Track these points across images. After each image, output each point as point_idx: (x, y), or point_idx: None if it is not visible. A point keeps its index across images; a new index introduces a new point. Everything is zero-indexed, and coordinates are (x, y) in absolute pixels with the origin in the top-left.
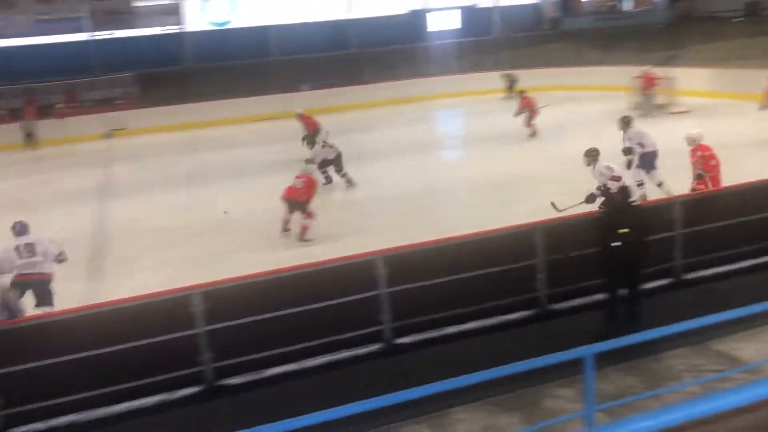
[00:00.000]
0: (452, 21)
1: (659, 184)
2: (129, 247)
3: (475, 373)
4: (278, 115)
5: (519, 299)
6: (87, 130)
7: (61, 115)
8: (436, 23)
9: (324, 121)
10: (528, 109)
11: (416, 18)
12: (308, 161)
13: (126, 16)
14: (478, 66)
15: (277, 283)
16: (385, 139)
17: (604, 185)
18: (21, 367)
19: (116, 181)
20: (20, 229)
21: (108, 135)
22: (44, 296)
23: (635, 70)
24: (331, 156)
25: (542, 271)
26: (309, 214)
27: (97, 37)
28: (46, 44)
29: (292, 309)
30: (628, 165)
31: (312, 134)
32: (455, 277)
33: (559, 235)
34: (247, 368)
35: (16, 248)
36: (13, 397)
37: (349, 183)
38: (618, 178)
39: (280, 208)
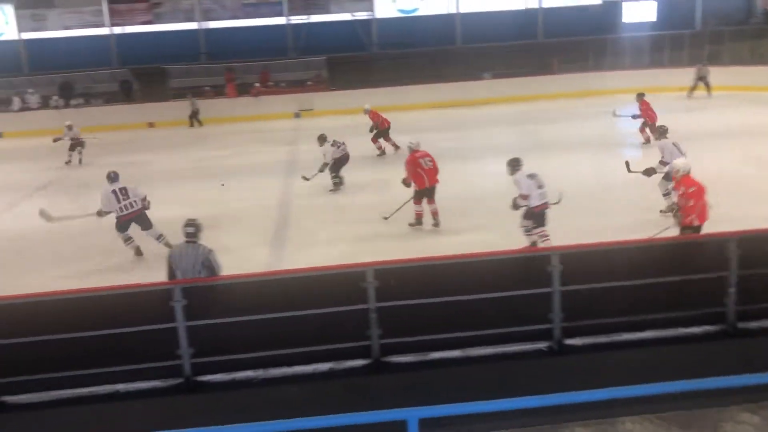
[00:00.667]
0: (648, 13)
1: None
2: (309, 220)
3: (652, 384)
4: (459, 102)
5: (703, 313)
6: (278, 109)
7: (257, 94)
8: (631, 15)
9: (505, 110)
10: (644, 114)
11: (610, 9)
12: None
13: (321, 2)
14: (675, 61)
15: (446, 269)
16: (564, 131)
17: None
18: (210, 321)
19: (302, 158)
20: (114, 177)
21: (296, 115)
22: (146, 224)
23: None
24: (339, 155)
25: (733, 284)
26: (433, 200)
27: (293, 22)
28: (247, 27)
29: (459, 296)
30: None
31: (385, 129)
32: (633, 282)
33: (756, 247)
34: (412, 349)
35: (113, 192)
36: (202, 348)
37: (336, 186)
38: (525, 197)
39: (449, 189)
